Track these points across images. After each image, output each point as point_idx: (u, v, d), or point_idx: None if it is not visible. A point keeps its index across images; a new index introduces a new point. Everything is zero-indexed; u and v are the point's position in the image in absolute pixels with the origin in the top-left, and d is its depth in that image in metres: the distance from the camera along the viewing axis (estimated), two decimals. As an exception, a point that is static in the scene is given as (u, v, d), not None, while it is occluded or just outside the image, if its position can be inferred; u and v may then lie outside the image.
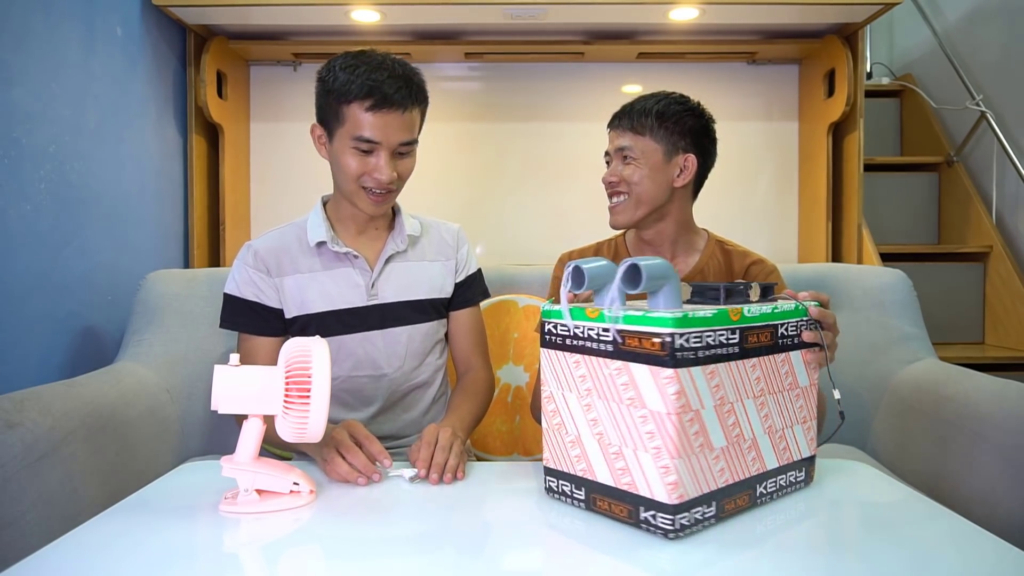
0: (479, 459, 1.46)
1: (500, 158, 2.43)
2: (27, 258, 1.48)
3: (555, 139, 2.43)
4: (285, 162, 2.41)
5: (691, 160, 1.29)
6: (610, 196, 1.32)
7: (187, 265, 2.19)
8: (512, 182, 2.44)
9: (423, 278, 1.31)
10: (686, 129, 1.29)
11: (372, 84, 1.13)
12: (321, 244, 1.25)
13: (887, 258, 2.37)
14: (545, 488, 0.94)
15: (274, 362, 1.09)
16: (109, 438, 1.32)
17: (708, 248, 1.37)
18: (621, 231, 1.43)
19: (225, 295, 1.25)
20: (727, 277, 1.34)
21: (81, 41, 1.67)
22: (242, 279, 1.24)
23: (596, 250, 1.45)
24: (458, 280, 1.37)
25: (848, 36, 2.17)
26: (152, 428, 1.48)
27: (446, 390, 1.42)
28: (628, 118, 1.30)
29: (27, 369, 1.48)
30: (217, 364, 0.91)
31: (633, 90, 2.43)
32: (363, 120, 1.14)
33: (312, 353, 0.91)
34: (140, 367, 1.56)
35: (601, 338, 0.84)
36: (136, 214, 1.91)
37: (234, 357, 0.92)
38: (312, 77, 2.43)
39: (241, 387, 0.91)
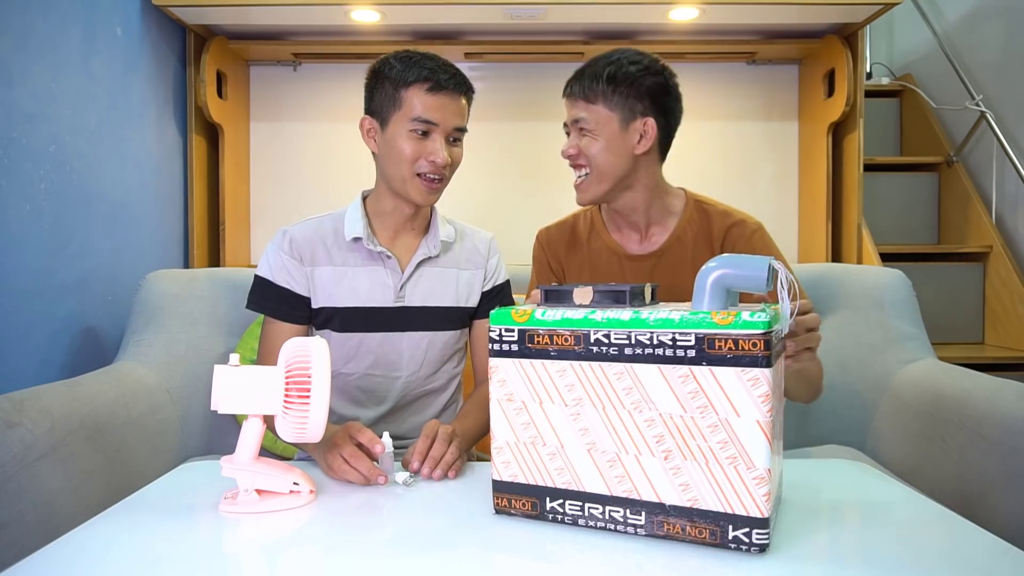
0: (480, 459, 1.46)
1: (500, 158, 2.43)
2: (27, 258, 1.48)
3: (555, 139, 2.41)
4: (285, 162, 2.41)
5: (650, 124, 1.20)
6: (574, 170, 1.26)
7: (187, 265, 2.19)
8: (512, 182, 2.44)
9: (451, 286, 1.31)
10: (643, 91, 1.19)
11: (430, 69, 1.18)
12: (356, 240, 1.25)
13: (887, 258, 2.37)
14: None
15: None
16: (109, 438, 1.32)
17: (686, 211, 1.28)
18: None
19: (256, 277, 1.26)
20: (706, 242, 1.27)
21: (81, 41, 1.67)
22: (276, 264, 1.24)
23: (572, 223, 1.39)
24: (485, 290, 1.36)
25: (848, 36, 2.17)
26: (152, 428, 1.47)
27: (458, 398, 1.42)
28: (579, 85, 1.22)
29: (27, 369, 1.48)
30: (217, 364, 0.91)
31: (633, 90, 2.43)
32: (422, 101, 1.18)
33: (312, 353, 0.91)
34: (140, 367, 1.56)
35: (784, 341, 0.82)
36: (136, 214, 1.91)
37: (234, 357, 0.92)
38: (312, 77, 2.42)
39: (241, 387, 0.91)
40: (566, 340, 0.82)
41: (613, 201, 1.27)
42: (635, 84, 1.19)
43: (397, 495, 0.96)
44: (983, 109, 2.59)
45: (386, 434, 1.04)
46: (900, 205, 2.81)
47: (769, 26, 2.16)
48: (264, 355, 1.25)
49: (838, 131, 2.26)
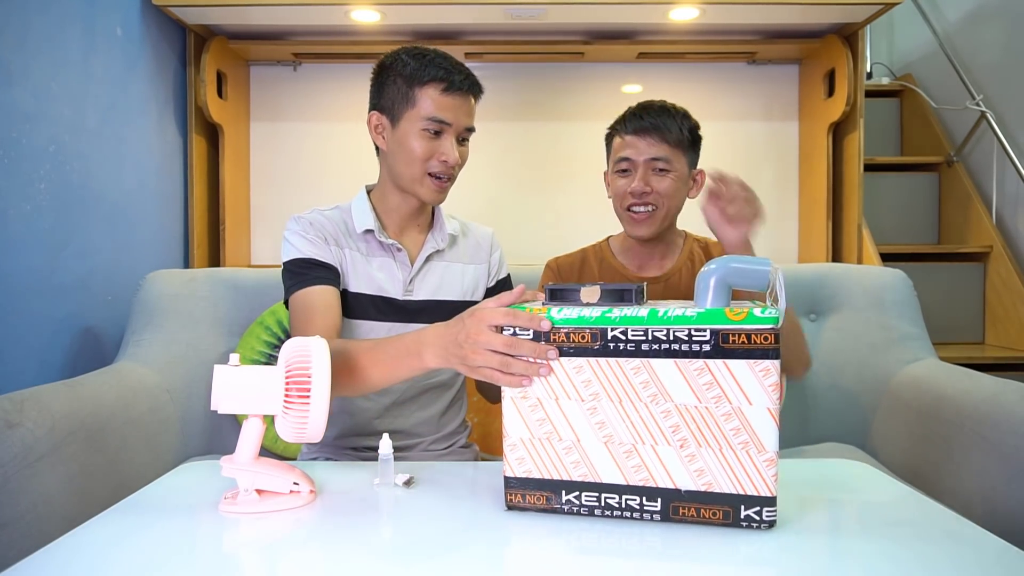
0: (483, 459, 1.46)
1: (499, 158, 2.43)
2: (27, 258, 1.48)
3: (555, 139, 2.43)
4: (285, 162, 2.41)
5: (703, 176, 1.35)
6: (632, 206, 1.33)
7: (187, 265, 2.19)
8: (511, 182, 2.44)
9: (458, 280, 1.33)
10: (699, 145, 1.37)
11: (445, 69, 1.21)
12: (368, 232, 1.27)
13: (887, 258, 2.37)
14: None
15: (337, 313, 1.17)
16: (109, 438, 1.32)
17: (687, 243, 1.43)
18: (604, 237, 1.50)
19: (287, 263, 1.21)
20: None
21: (81, 41, 1.67)
22: (302, 242, 1.22)
23: (582, 256, 1.47)
24: (489, 286, 1.38)
25: (848, 36, 2.17)
26: (152, 428, 1.48)
27: (463, 395, 1.42)
28: (666, 129, 1.30)
29: (27, 369, 1.48)
30: (217, 364, 0.91)
31: (633, 90, 2.43)
32: (437, 101, 1.20)
33: (312, 353, 0.91)
34: (140, 367, 1.56)
35: None
36: (136, 214, 1.91)
37: (234, 357, 0.92)
38: (312, 77, 2.43)
39: (241, 387, 0.90)
40: (583, 337, 0.84)
41: (658, 235, 1.38)
42: (698, 140, 1.36)
43: (397, 495, 0.96)
44: (983, 109, 2.59)
45: (385, 436, 1.03)
46: (900, 205, 2.81)
47: (769, 26, 2.16)
48: (304, 322, 1.15)
49: (838, 131, 2.26)
